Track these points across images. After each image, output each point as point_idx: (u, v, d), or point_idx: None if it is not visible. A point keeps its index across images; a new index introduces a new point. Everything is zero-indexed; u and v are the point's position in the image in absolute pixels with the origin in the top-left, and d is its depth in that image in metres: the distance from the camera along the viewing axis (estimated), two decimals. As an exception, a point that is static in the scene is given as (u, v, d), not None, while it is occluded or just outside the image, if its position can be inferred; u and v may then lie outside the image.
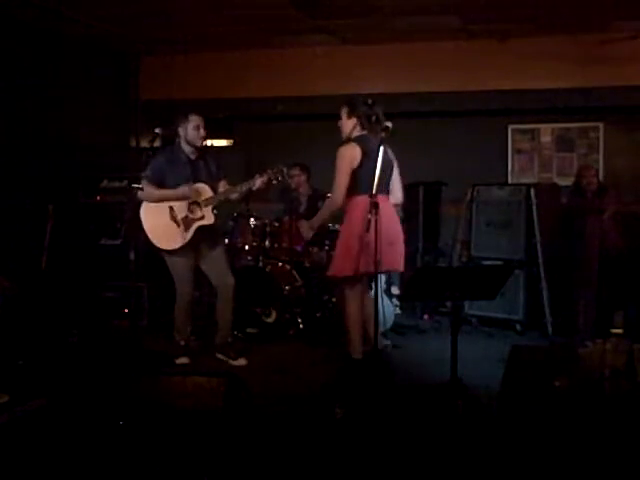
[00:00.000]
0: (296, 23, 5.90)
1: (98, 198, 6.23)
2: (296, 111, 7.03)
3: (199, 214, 4.61)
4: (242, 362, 4.83)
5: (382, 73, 6.52)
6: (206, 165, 4.75)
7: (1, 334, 4.62)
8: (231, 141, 7.65)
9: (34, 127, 5.96)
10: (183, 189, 4.58)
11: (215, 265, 4.80)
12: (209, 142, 7.56)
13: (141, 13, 5.69)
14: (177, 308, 4.85)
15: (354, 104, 4.26)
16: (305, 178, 6.36)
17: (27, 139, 5.86)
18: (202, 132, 4.66)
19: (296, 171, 6.32)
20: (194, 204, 4.62)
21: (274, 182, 4.64)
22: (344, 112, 4.27)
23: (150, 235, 4.70)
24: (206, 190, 4.63)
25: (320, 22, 5.90)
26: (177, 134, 4.70)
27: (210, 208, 4.61)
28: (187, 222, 4.62)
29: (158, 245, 4.70)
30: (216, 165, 4.81)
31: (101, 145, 6.76)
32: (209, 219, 4.61)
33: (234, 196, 4.74)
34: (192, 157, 4.71)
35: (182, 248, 4.66)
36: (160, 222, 4.66)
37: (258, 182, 4.58)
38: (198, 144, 4.68)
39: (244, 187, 4.65)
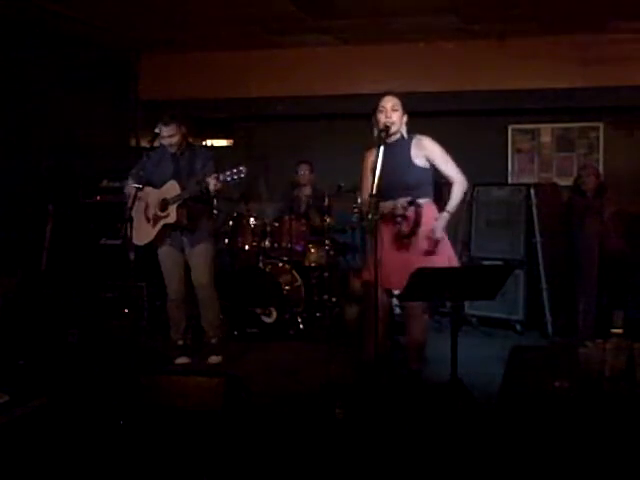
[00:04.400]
0: (296, 23, 5.90)
1: (98, 198, 6.23)
2: (296, 111, 7.02)
3: (166, 212, 4.62)
4: (214, 360, 4.82)
5: (382, 73, 6.51)
6: (190, 162, 4.72)
7: (1, 334, 4.63)
8: (231, 141, 7.66)
9: (34, 127, 5.96)
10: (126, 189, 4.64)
11: (193, 265, 4.78)
12: (209, 142, 7.59)
13: (141, 13, 5.69)
14: (168, 307, 4.89)
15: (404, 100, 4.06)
16: (312, 177, 6.36)
17: (27, 139, 5.86)
18: (169, 140, 4.63)
19: (305, 169, 6.32)
20: (165, 202, 4.62)
21: (230, 182, 4.43)
22: (401, 106, 4.02)
23: (133, 225, 4.72)
24: (174, 188, 4.60)
25: (320, 22, 5.90)
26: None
27: (175, 206, 4.57)
28: (155, 219, 4.67)
29: (133, 238, 4.69)
30: (203, 162, 4.70)
31: (101, 145, 6.76)
32: (172, 217, 4.59)
33: (192, 191, 4.52)
34: (177, 154, 4.72)
35: (164, 246, 4.73)
36: (137, 217, 4.67)
37: (211, 185, 4.40)
38: (172, 150, 4.69)
39: (195, 188, 4.51)
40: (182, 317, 4.89)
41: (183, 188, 4.58)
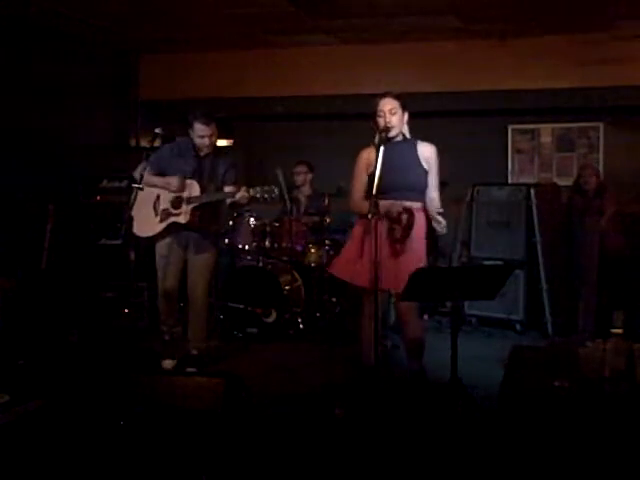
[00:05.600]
0: (296, 23, 5.90)
1: (98, 198, 6.24)
2: (296, 111, 7.03)
3: (178, 210, 4.48)
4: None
5: (382, 73, 6.51)
6: (213, 165, 4.58)
7: (1, 334, 4.62)
8: (231, 141, 7.65)
9: (34, 127, 5.95)
10: (171, 178, 4.48)
11: (192, 271, 4.65)
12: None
13: (141, 12, 5.69)
14: (158, 301, 4.76)
15: (404, 98, 3.94)
16: (310, 177, 6.36)
17: (27, 139, 5.86)
18: (206, 141, 4.49)
19: (302, 169, 6.32)
20: (179, 199, 4.49)
21: (259, 199, 4.34)
22: (399, 105, 3.88)
23: (133, 216, 4.59)
24: (194, 188, 4.47)
25: (320, 22, 5.90)
26: (188, 133, 4.57)
27: (190, 207, 4.44)
28: (164, 215, 4.53)
29: (134, 229, 4.64)
30: (226, 168, 4.59)
31: (101, 145, 6.76)
32: (184, 218, 4.46)
33: (215, 198, 4.51)
34: (201, 154, 4.56)
35: (165, 240, 4.57)
36: (144, 207, 4.56)
37: (239, 195, 4.33)
38: (204, 151, 4.54)
39: (220, 196, 4.48)
40: (172, 310, 4.74)
41: (203, 191, 4.47)
